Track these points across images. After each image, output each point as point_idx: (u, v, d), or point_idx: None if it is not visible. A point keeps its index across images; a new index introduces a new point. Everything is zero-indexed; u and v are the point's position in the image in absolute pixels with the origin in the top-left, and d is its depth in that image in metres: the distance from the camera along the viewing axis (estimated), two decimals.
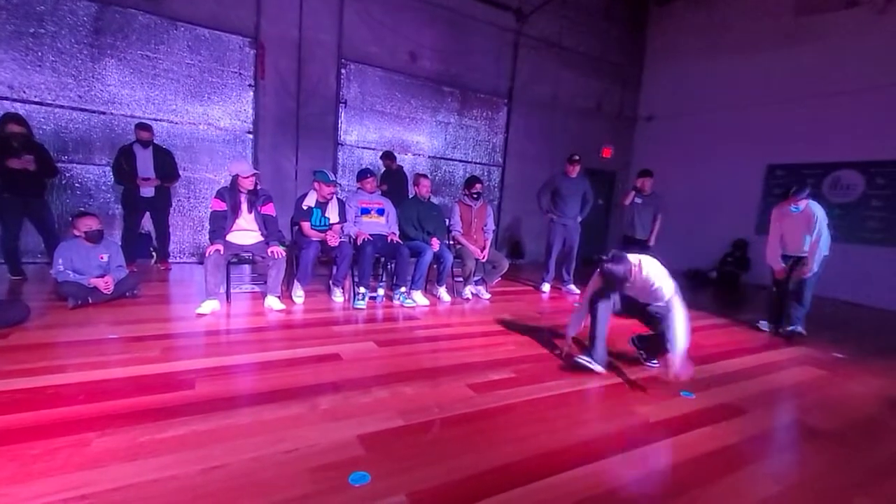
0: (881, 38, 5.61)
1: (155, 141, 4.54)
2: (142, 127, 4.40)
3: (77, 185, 4.73)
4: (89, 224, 3.25)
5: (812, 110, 6.19)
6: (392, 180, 5.63)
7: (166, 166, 4.55)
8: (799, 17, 6.37)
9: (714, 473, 1.63)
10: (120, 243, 3.91)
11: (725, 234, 7.03)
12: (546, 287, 5.02)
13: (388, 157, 5.75)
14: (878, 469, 1.75)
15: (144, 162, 4.40)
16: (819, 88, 6.12)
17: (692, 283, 6.48)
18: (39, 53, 4.40)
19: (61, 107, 4.56)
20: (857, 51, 5.80)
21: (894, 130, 5.49)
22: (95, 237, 3.28)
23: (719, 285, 6.59)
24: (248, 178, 3.44)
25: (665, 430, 1.94)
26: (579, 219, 5.00)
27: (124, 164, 4.32)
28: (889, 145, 5.54)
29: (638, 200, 5.14)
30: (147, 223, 4.77)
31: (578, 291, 4.94)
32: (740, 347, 3.31)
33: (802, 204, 3.64)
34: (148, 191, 4.46)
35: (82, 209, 4.25)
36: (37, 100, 4.45)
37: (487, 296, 4.39)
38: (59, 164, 4.39)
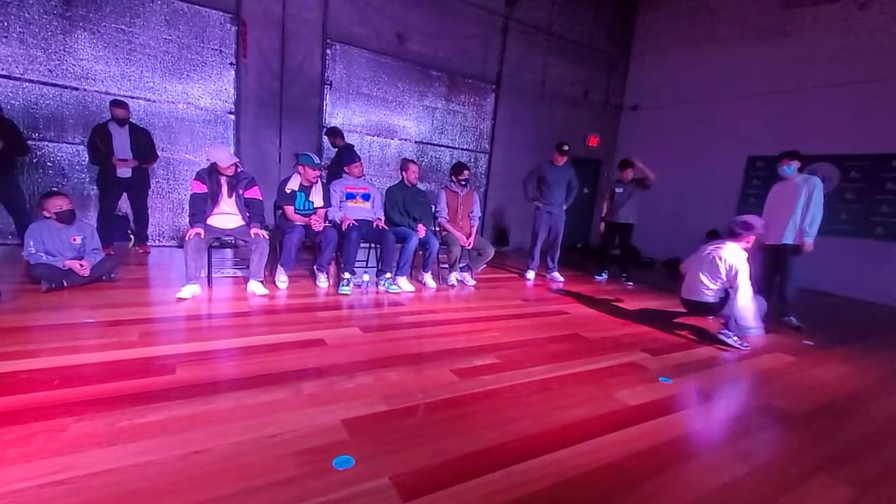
0: (861, 34, 5.72)
1: (132, 119, 4.38)
2: (117, 104, 4.22)
3: (49, 164, 4.56)
4: (59, 204, 3.11)
5: (793, 103, 6.32)
6: (341, 159, 5.13)
7: (144, 146, 4.40)
8: (785, 10, 6.44)
9: (688, 455, 1.70)
10: (96, 226, 3.79)
11: (706, 224, 7.16)
12: (531, 274, 5.07)
13: (333, 133, 5.43)
14: (841, 451, 1.84)
15: (121, 141, 4.24)
16: (800, 82, 6.24)
17: (671, 272, 6.60)
18: (6, 24, 4.18)
19: (31, 81, 4.36)
20: (837, 45, 5.91)
21: (870, 125, 5.64)
22: (67, 217, 3.16)
23: None
24: (227, 167, 3.35)
25: (641, 414, 2.00)
26: (564, 207, 5.04)
27: (99, 144, 4.16)
28: (864, 140, 5.69)
29: (619, 189, 5.22)
30: (124, 205, 4.63)
31: (562, 279, 5.01)
32: None
33: (794, 166, 3.69)
34: (125, 171, 4.32)
35: (53, 189, 4.10)
36: (3, 73, 4.24)
37: (472, 282, 4.42)
38: (29, 142, 4.21)
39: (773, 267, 3.94)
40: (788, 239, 3.72)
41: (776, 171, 3.87)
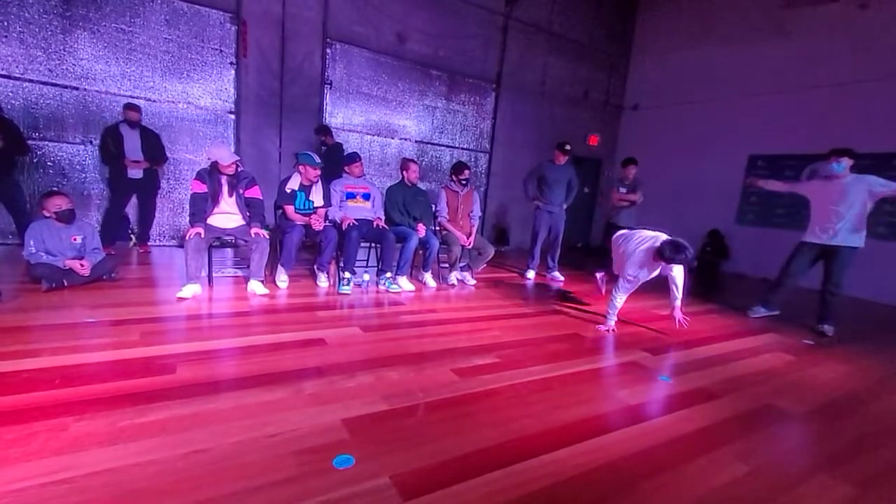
0: (861, 33, 5.71)
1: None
2: (130, 107, 4.27)
3: (49, 163, 4.56)
4: (59, 203, 3.12)
5: (793, 102, 6.31)
6: (331, 157, 5.14)
7: (154, 148, 4.45)
8: (785, 10, 6.43)
9: (687, 455, 1.70)
10: (100, 225, 3.80)
11: (706, 224, 7.17)
12: (531, 274, 5.07)
13: (323, 131, 5.36)
14: (841, 451, 1.84)
15: (132, 143, 4.29)
16: (801, 81, 6.23)
17: None
18: (6, 23, 4.18)
19: (31, 81, 4.35)
20: (837, 45, 5.90)
21: (870, 124, 5.63)
22: (67, 217, 3.16)
23: (698, 274, 6.73)
24: (228, 165, 3.36)
25: (641, 413, 2.00)
26: (565, 206, 5.04)
27: (111, 145, 4.19)
28: (865, 139, 5.67)
29: (622, 190, 5.21)
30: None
31: (563, 278, 5.01)
32: (716, 334, 3.41)
33: (844, 163, 3.42)
34: (136, 172, 4.36)
35: (53, 188, 4.11)
36: (3, 73, 4.24)
37: (473, 282, 4.42)
38: (29, 142, 4.21)
39: (792, 262, 3.85)
40: (830, 241, 3.55)
41: (825, 168, 3.60)
